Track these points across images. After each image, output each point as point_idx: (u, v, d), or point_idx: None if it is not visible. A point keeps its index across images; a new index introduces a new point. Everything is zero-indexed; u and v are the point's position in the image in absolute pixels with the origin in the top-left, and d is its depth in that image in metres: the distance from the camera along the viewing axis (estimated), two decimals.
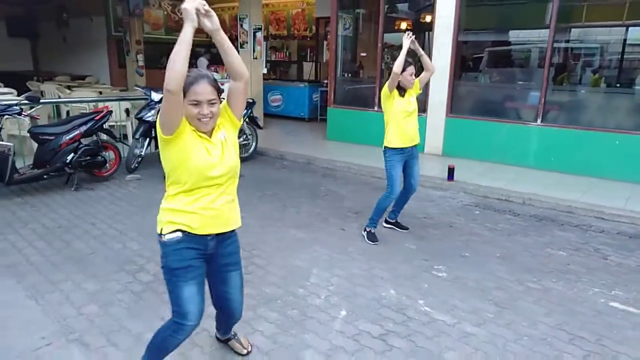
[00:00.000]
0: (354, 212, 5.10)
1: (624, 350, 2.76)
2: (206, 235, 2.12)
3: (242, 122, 2.28)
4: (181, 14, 1.91)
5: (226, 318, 2.52)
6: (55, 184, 5.89)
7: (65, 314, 3.01)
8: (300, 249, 4.16)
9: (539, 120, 6.80)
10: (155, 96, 6.47)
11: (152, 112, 6.36)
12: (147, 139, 6.50)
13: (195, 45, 1.91)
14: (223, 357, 2.64)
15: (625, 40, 10.09)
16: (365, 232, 4.41)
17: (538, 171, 6.72)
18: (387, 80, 4.12)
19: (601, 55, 10.18)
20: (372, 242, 4.31)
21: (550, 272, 3.79)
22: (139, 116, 6.40)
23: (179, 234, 2.07)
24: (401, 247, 4.24)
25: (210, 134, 2.08)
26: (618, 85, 8.76)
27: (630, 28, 9.68)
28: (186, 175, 2.02)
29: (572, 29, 9.36)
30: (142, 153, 6.50)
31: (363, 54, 10.92)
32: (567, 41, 9.69)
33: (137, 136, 6.42)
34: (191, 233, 2.08)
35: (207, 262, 2.21)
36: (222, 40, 1.97)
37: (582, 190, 5.77)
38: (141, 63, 12.50)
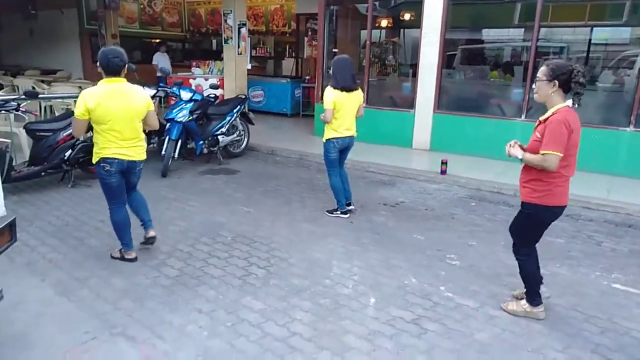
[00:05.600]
0: (359, 205, 5.22)
1: (634, 327, 3.03)
2: None
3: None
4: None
5: None
6: (49, 181, 5.75)
7: (101, 309, 3.02)
8: (314, 241, 4.27)
9: (523, 116, 7.14)
10: (185, 95, 6.40)
11: (184, 112, 6.28)
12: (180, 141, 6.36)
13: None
14: None
15: (590, 39, 10.71)
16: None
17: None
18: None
19: (567, 53, 10.77)
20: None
21: (553, 259, 4.05)
22: (169, 117, 6.31)
23: None
24: (411, 238, 4.42)
25: None
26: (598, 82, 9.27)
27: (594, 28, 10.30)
28: None
29: (549, 28, 9.84)
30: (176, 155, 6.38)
31: (335, 50, 11.04)
32: (539, 40, 10.18)
33: (173, 137, 6.24)
34: None
35: None
36: None
37: None
38: None
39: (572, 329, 2.99)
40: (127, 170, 3.57)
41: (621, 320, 3.10)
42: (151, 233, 3.87)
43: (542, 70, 2.82)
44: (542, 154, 2.74)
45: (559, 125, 2.70)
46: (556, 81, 2.75)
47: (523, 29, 9.60)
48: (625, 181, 6.23)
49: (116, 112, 3.34)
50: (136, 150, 3.55)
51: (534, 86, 2.91)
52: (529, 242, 3.09)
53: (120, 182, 3.57)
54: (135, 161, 3.57)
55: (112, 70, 3.35)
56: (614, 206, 5.38)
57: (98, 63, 3.35)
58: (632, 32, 9.55)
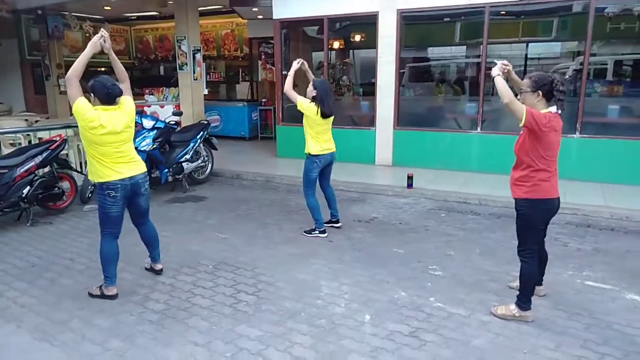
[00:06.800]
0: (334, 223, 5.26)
1: (614, 320, 3.21)
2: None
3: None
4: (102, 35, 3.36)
5: None
6: (4, 221, 5.40)
7: (88, 351, 2.86)
8: (297, 263, 4.25)
9: (478, 128, 7.49)
10: (148, 123, 6.24)
11: (147, 140, 6.11)
12: None
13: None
14: None
15: (526, 54, 11.47)
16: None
17: (481, 174, 7.36)
18: None
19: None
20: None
21: None
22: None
23: None
24: (391, 252, 4.49)
25: None
26: None
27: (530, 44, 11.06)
28: None
29: (489, 45, 10.42)
30: None
31: (285, 73, 11.12)
32: (478, 56, 10.80)
33: None
34: None
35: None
36: (113, 58, 3.53)
37: None
38: (63, 88, 11.77)
39: (558, 327, 3.14)
40: (133, 193, 3.50)
41: (601, 315, 3.28)
42: (158, 266, 3.98)
43: (526, 82, 3.06)
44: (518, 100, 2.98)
45: (542, 114, 2.95)
46: (539, 91, 3.00)
47: (465, 47, 10.17)
48: (577, 184, 6.63)
49: (121, 135, 3.36)
50: (135, 165, 3.51)
51: (519, 97, 3.09)
52: (529, 242, 3.17)
53: (122, 211, 3.49)
54: (138, 179, 3.49)
55: (113, 98, 3.34)
56: (571, 208, 5.71)
57: (93, 94, 3.33)
58: (562, 47, 10.31)
